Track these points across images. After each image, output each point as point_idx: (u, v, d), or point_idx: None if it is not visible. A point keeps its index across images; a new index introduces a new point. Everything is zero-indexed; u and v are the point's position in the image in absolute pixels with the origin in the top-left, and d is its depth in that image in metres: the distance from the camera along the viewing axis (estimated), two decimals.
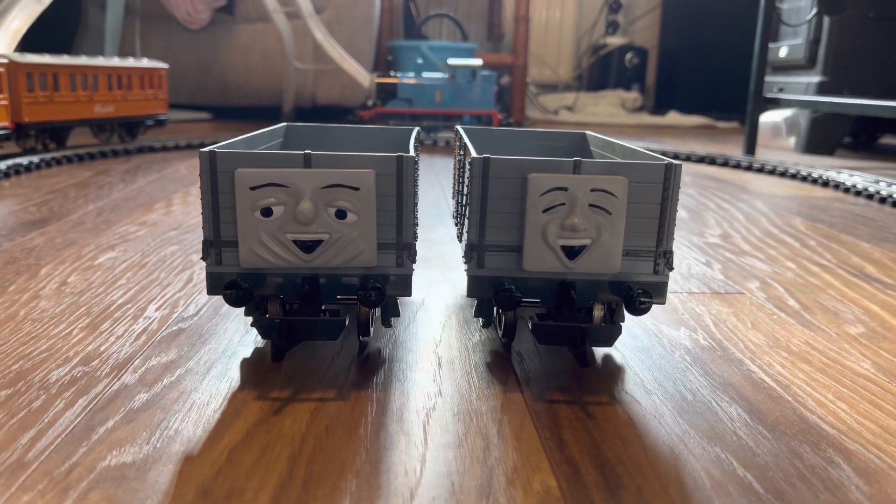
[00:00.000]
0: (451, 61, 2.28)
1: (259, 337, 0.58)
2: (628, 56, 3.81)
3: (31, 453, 0.40)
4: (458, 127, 0.73)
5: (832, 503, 0.38)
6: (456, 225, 0.67)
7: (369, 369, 0.53)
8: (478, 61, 2.31)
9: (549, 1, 3.88)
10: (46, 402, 0.46)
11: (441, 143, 2.22)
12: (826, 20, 2.13)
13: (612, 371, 0.54)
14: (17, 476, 0.38)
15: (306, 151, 0.48)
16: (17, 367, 0.51)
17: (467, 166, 0.53)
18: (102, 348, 0.55)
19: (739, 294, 0.75)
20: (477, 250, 0.51)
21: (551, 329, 0.52)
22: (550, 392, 0.50)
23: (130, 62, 1.83)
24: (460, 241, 0.62)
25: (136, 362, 0.53)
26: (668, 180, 0.50)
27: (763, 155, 2.14)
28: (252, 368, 0.53)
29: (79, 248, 0.85)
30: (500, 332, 0.58)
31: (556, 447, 0.43)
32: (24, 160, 1.43)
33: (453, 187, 0.74)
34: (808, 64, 2.22)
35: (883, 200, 1.38)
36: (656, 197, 0.50)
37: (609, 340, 0.54)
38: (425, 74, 2.33)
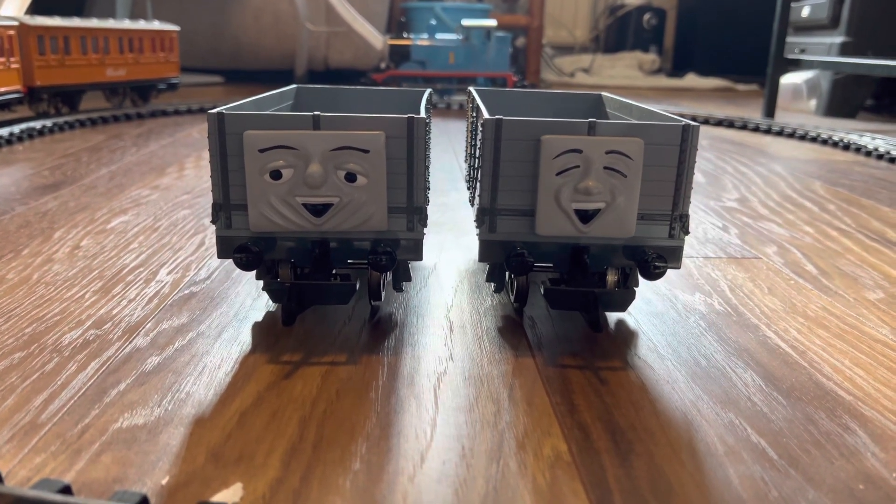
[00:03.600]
0: (465, 22, 2.25)
1: (270, 301, 0.58)
2: (646, 17, 3.73)
3: (44, 415, 0.40)
4: (471, 88, 0.72)
5: (847, 470, 0.37)
6: (468, 189, 0.66)
7: (380, 334, 0.53)
8: (492, 22, 2.27)
9: None
10: (59, 365, 0.46)
11: (455, 107, 2.19)
12: None
13: (626, 336, 0.54)
14: (30, 437, 0.38)
15: (315, 113, 0.47)
16: (31, 330, 0.52)
17: (479, 128, 0.52)
18: (115, 311, 0.56)
19: (756, 259, 0.74)
20: (489, 214, 0.50)
21: (564, 294, 0.51)
22: (562, 357, 0.50)
23: (142, 25, 1.82)
24: (472, 205, 0.62)
25: (147, 325, 0.53)
26: (685, 142, 0.48)
27: (783, 118, 2.10)
28: (263, 332, 0.53)
29: (92, 211, 0.85)
30: (512, 297, 0.58)
31: (567, 412, 0.42)
32: (37, 124, 1.43)
33: (466, 151, 0.73)
34: (832, 24, 2.16)
35: None
36: (673, 159, 0.49)
37: (623, 305, 0.53)
38: (439, 36, 2.30)
